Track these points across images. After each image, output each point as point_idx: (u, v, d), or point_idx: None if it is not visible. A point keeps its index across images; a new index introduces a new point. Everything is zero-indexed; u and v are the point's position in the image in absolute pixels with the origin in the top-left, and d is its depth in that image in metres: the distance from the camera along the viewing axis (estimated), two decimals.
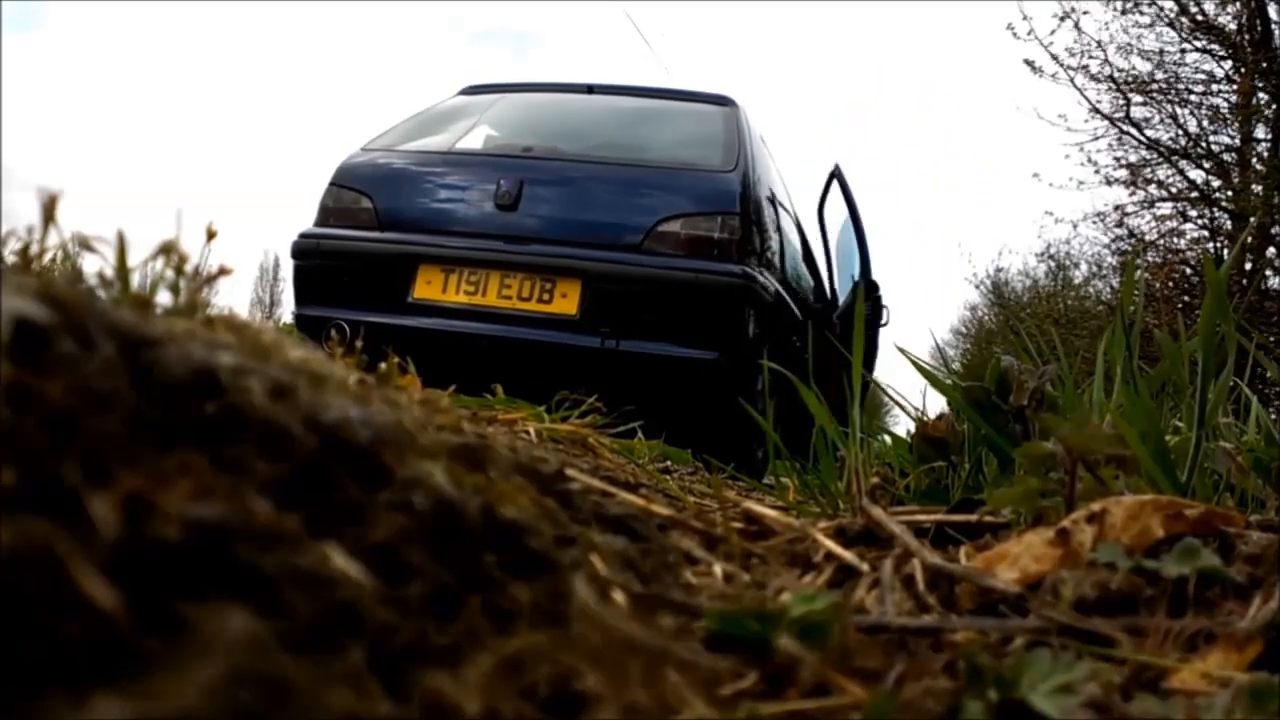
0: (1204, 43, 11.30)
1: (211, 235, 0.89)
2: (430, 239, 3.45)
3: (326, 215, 3.71)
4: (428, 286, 3.37)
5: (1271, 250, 10.89)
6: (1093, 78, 11.22)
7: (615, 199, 3.49)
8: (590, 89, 4.34)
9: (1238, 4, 10.99)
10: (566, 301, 3.25)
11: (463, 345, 3.17)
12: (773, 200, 3.89)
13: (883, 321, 4.82)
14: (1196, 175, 11.38)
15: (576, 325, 3.21)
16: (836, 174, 4.88)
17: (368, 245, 3.51)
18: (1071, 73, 11.14)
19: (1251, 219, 10.03)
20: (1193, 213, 11.43)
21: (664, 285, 3.16)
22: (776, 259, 3.74)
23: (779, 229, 3.91)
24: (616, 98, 4.34)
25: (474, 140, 4.10)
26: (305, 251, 3.64)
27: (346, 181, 3.74)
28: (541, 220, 3.45)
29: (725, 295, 3.14)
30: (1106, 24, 11.65)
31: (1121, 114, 11.27)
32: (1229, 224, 11.06)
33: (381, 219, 3.57)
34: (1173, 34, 11.24)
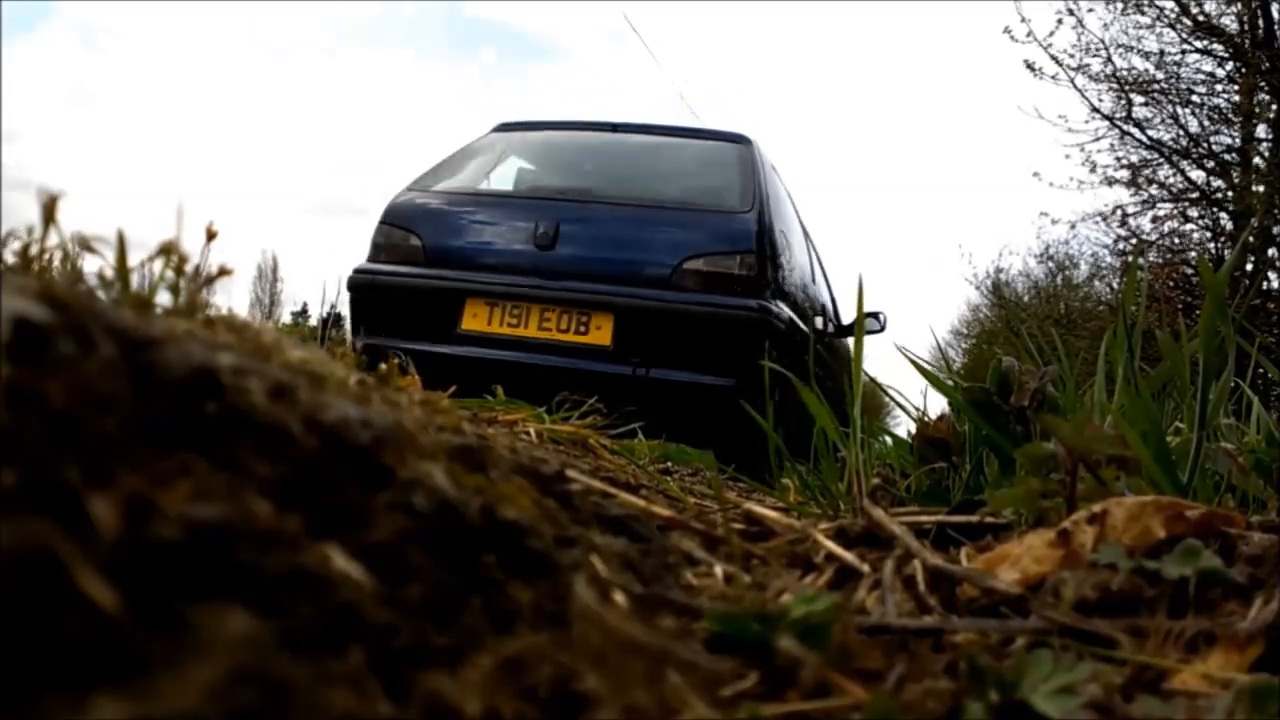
0: (1205, 43, 11.30)
1: (211, 235, 0.88)
2: (475, 275, 3.78)
3: (378, 252, 4.03)
4: (474, 319, 3.71)
5: (1273, 250, 10.89)
6: (1093, 78, 11.23)
7: (644, 238, 3.81)
8: (614, 128, 4.67)
9: (1239, 4, 10.99)
10: (601, 333, 3.57)
11: (508, 372, 3.32)
12: (785, 232, 4.20)
13: (879, 328, 5.14)
14: (1197, 175, 11.38)
15: (610, 355, 3.52)
16: None
17: (418, 281, 3.84)
18: (1072, 74, 11.15)
19: (1253, 219, 10.02)
20: (1194, 213, 11.43)
21: (688, 319, 3.52)
22: (790, 287, 4.04)
23: (792, 258, 4.21)
24: (639, 136, 4.65)
25: (510, 179, 4.53)
26: (360, 286, 3.95)
27: (395, 220, 4.05)
28: (576, 258, 3.77)
29: (743, 328, 3.49)
30: (1107, 25, 11.63)
31: (1123, 114, 11.27)
32: (1230, 224, 11.06)
33: (429, 255, 3.91)
34: (1173, 34, 11.24)
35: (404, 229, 4.01)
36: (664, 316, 3.51)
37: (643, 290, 3.59)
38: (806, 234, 5.15)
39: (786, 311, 3.80)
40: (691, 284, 3.60)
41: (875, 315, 5.06)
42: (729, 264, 3.63)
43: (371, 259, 4.04)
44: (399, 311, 3.80)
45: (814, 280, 5.00)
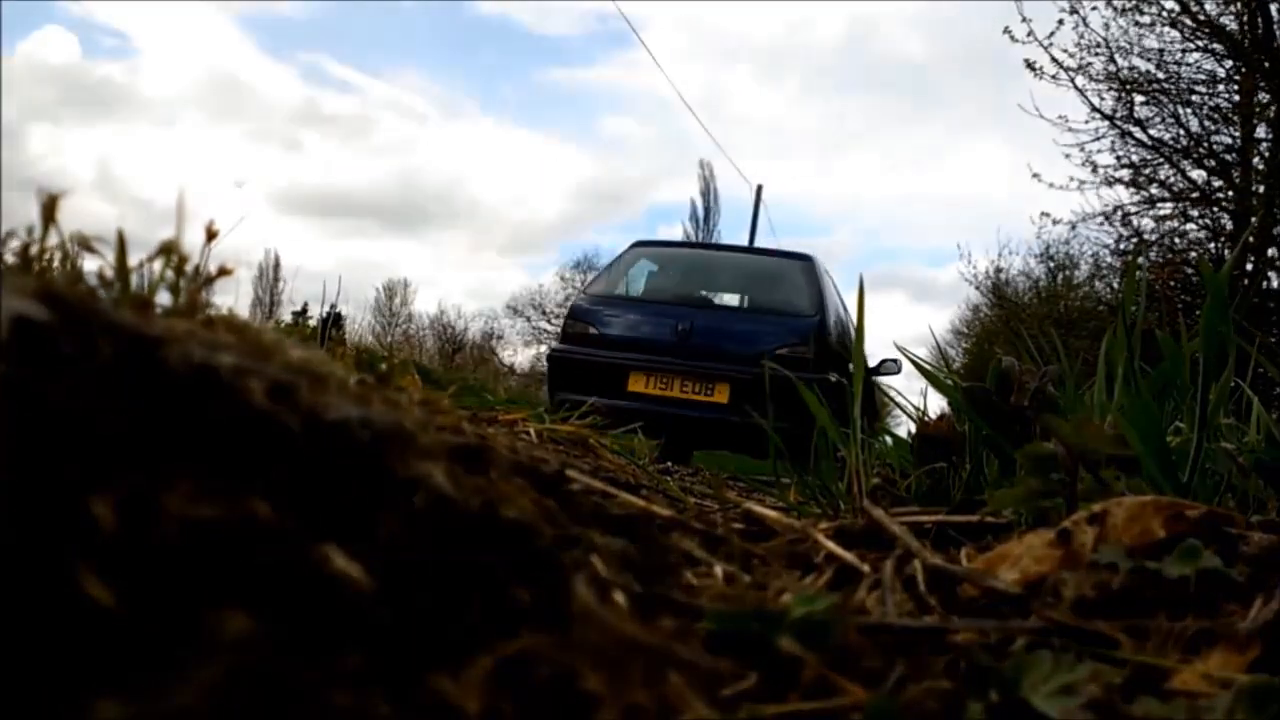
0: (1205, 42, 11.30)
1: (212, 235, 0.88)
2: (637, 355, 5.77)
3: (567, 337, 6.15)
4: (636, 383, 5.73)
5: (1273, 250, 10.89)
6: (1093, 78, 11.23)
7: (748, 333, 5.79)
8: (719, 247, 7.56)
9: (1239, 4, 10.99)
10: (720, 395, 5.54)
11: (659, 419, 5.27)
12: (833, 319, 6.07)
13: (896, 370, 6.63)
14: (1197, 175, 11.38)
15: (726, 409, 5.46)
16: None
17: (598, 358, 5.83)
18: (1072, 73, 11.15)
19: (1253, 219, 10.02)
20: (1194, 212, 11.43)
21: (771, 388, 5.15)
22: (834, 352, 5.77)
23: (836, 336, 6.02)
24: (735, 254, 7.26)
25: (650, 284, 6.66)
26: (558, 359, 6.06)
27: (577, 316, 6.18)
28: (703, 346, 5.72)
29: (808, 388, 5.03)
30: (1108, 24, 11.61)
31: (1124, 114, 11.27)
32: (1230, 224, 11.05)
33: (603, 341, 5.94)
34: (1174, 34, 11.24)
35: (584, 322, 6.07)
36: (760, 385, 4.86)
37: (747, 368, 5.39)
38: (843, 304, 6.79)
39: (834, 375, 5.13)
40: (779, 363, 5.37)
41: (895, 360, 6.51)
42: (801, 350, 5.57)
43: (562, 341, 6.18)
44: (585, 377, 5.69)
45: (849, 337, 6.60)
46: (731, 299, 6.84)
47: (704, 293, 6.71)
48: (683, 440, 5.71)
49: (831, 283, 6.67)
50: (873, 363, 6.94)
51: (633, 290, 6.49)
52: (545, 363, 6.36)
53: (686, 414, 5.52)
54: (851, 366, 1.36)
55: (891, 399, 1.76)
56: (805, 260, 6.45)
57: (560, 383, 5.86)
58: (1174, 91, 11.30)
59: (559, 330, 6.66)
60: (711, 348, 5.65)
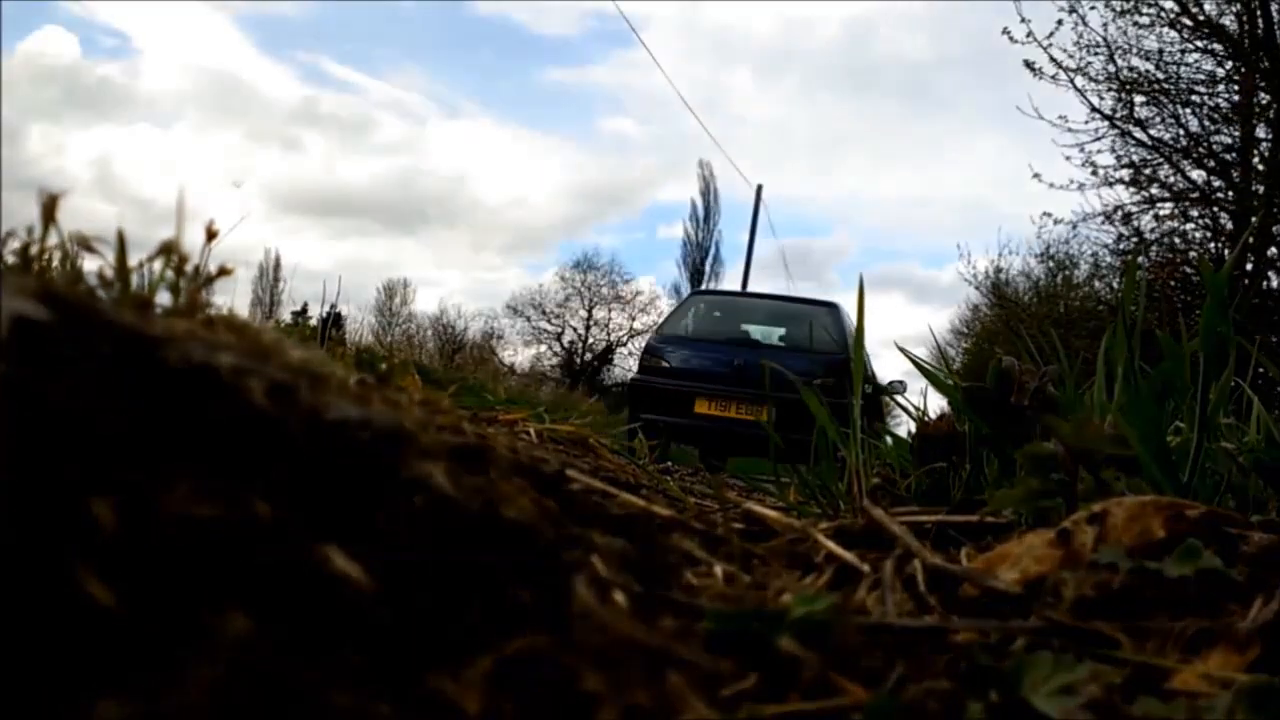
0: (1205, 42, 11.29)
1: (212, 235, 0.88)
2: (701, 383, 7.37)
3: (644, 369, 7.84)
4: (701, 406, 7.33)
5: (1273, 250, 10.89)
6: (1093, 78, 11.22)
7: (788, 367, 6.58)
8: (761, 296, 9.26)
9: (1239, 4, 10.98)
10: (763, 414, 6.82)
11: (717, 434, 7.05)
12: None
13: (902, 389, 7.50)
14: (1198, 175, 11.37)
15: (772, 426, 6.42)
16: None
17: (671, 386, 7.49)
18: (1071, 74, 11.14)
19: (1253, 219, 10.02)
20: (1194, 212, 11.43)
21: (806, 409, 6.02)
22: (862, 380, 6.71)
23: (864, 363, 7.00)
24: (775, 301, 8.84)
25: (708, 326, 8.30)
26: (639, 387, 7.76)
27: (652, 351, 7.92)
28: (752, 377, 7.05)
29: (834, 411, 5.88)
30: (1107, 24, 11.61)
31: (1124, 114, 11.26)
32: (1230, 224, 11.05)
33: (673, 372, 7.61)
34: (1173, 34, 11.24)
35: (657, 357, 7.78)
36: (798, 406, 5.90)
37: (787, 394, 6.32)
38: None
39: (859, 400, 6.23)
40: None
41: (901, 382, 7.41)
42: (830, 381, 6.86)
43: (640, 372, 7.87)
44: (661, 401, 7.37)
45: (868, 369, 7.31)
46: (773, 338, 8.46)
47: (750, 333, 8.38)
48: (736, 450, 7.27)
49: (853, 324, 8.25)
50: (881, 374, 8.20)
51: (694, 331, 8.23)
52: (627, 390, 8.47)
53: (739, 430, 7.13)
54: (833, 340, 1.38)
55: (892, 399, 1.76)
56: (832, 307, 8.11)
57: (641, 405, 7.57)
58: (1174, 91, 11.29)
59: (637, 363, 8.48)
60: (758, 378, 6.92)
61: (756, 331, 8.52)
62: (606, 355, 33.65)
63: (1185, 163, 11.34)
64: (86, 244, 0.78)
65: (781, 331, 8.46)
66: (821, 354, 7.22)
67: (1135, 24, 11.16)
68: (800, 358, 7.17)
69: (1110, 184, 11.38)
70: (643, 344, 8.61)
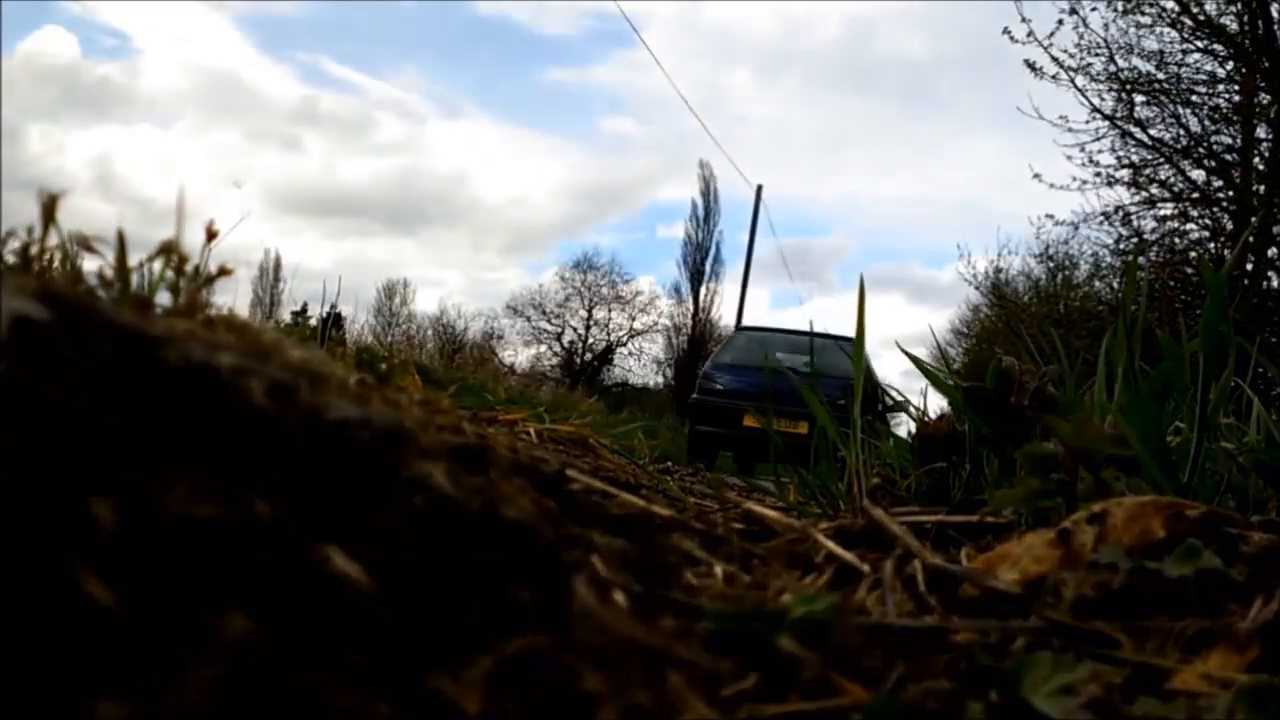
0: (1205, 43, 11.30)
1: (212, 235, 0.88)
2: (748, 402, 8.90)
3: (702, 390, 9.63)
4: (749, 421, 8.82)
5: (1273, 250, 10.89)
6: (1094, 79, 11.23)
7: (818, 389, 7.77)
8: (794, 332, 10.72)
9: (1239, 4, 10.98)
10: (801, 428, 7.28)
11: (761, 442, 8.02)
12: (874, 380, 7.59)
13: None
14: (1198, 175, 11.38)
15: (805, 437, 6.98)
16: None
17: (724, 404, 9.03)
18: (1072, 74, 11.15)
19: (1253, 219, 10.02)
20: (1194, 212, 11.43)
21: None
22: (874, 399, 7.08)
23: (875, 385, 7.42)
24: (805, 337, 10.06)
25: (751, 356, 9.74)
26: (699, 405, 9.53)
27: (707, 377, 9.73)
28: (789, 397, 7.11)
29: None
30: (1108, 24, 11.61)
31: (1124, 114, 11.27)
32: (1230, 224, 11.05)
33: (725, 393, 9.32)
34: (1174, 34, 11.24)
35: (711, 381, 9.59)
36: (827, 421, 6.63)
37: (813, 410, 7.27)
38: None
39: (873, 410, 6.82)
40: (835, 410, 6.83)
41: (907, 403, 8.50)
42: (846, 402, 7.42)
43: (698, 394, 9.63)
44: (716, 417, 9.14)
45: (880, 390, 8.17)
46: (802, 365, 9.55)
47: (783, 361, 9.44)
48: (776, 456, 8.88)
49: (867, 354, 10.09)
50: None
51: (739, 360, 9.93)
52: (688, 408, 10.43)
53: (779, 440, 8.61)
54: (851, 367, 1.38)
55: (892, 399, 1.76)
56: (850, 340, 9.91)
57: (699, 420, 9.52)
58: (1174, 92, 11.30)
59: (695, 386, 10.36)
60: (795, 398, 8.36)
61: (788, 360, 9.58)
62: (606, 355, 33.67)
63: (1185, 163, 11.35)
64: (86, 244, 0.78)
65: (811, 359, 9.42)
66: (845, 378, 8.34)
67: (1136, 24, 11.17)
68: (828, 385, 8.20)
69: (1110, 184, 11.39)
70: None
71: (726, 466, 9.31)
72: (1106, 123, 11.35)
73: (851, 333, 1.53)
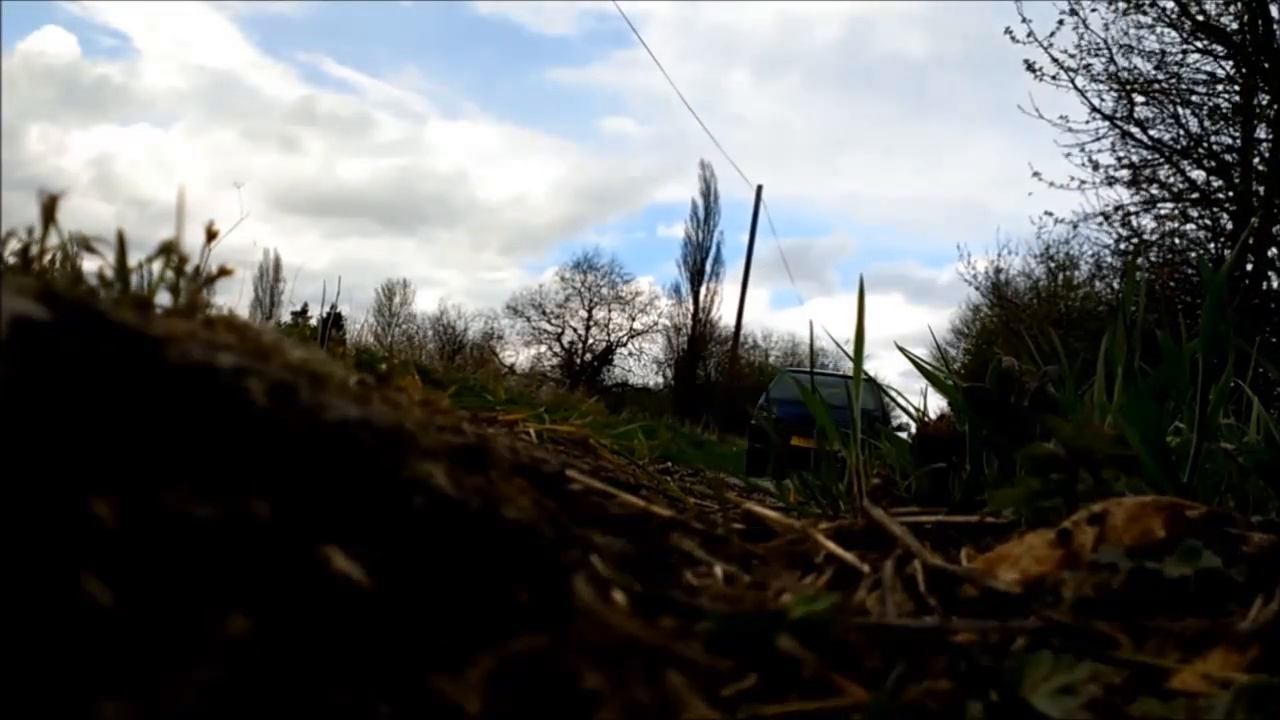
0: (1205, 43, 11.31)
1: (212, 235, 0.88)
2: (795, 425, 9.94)
3: (758, 417, 12.32)
4: (797, 440, 10.42)
5: (1273, 250, 10.90)
6: (1094, 79, 11.24)
7: (842, 418, 8.26)
8: (826, 373, 13.32)
9: (1239, 4, 10.99)
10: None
11: (804, 456, 7.49)
12: (885, 410, 9.14)
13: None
14: (1198, 175, 11.39)
15: (835, 454, 8.01)
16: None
17: (775, 427, 11.01)
18: (1072, 74, 11.16)
19: (1253, 219, 10.03)
20: (1194, 213, 11.44)
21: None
22: (879, 415, 8.85)
23: (886, 412, 8.78)
24: (834, 375, 12.36)
25: (791, 391, 12.05)
26: (754, 429, 13.61)
27: (763, 407, 13.08)
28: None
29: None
30: (1108, 25, 11.62)
31: (1124, 114, 11.28)
32: (1230, 224, 11.06)
33: (782, 418, 11.33)
34: (1174, 34, 11.25)
35: (765, 410, 12.37)
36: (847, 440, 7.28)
37: (844, 433, 8.25)
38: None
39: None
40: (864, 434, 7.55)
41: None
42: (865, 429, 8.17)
43: (755, 420, 12.53)
44: (768, 437, 10.90)
45: (889, 414, 9.64)
46: (833, 399, 11.58)
47: (824, 396, 11.68)
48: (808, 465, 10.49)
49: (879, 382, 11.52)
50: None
51: (784, 395, 12.57)
52: (749, 431, 13.75)
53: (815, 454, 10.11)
54: (868, 400, 1.40)
55: (893, 399, 1.76)
56: (870, 380, 11.82)
57: (758, 439, 12.42)
58: (1174, 92, 11.31)
59: (754, 414, 13.00)
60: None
61: (826, 394, 12.41)
62: (606, 355, 33.69)
63: (1185, 163, 11.35)
64: (86, 244, 0.78)
65: (838, 393, 11.83)
66: (869, 412, 10.03)
67: (1136, 24, 11.18)
68: (848, 413, 9.94)
69: (1110, 184, 11.40)
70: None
71: (738, 470, 10.48)
72: (1106, 123, 11.36)
73: (851, 332, 1.54)
